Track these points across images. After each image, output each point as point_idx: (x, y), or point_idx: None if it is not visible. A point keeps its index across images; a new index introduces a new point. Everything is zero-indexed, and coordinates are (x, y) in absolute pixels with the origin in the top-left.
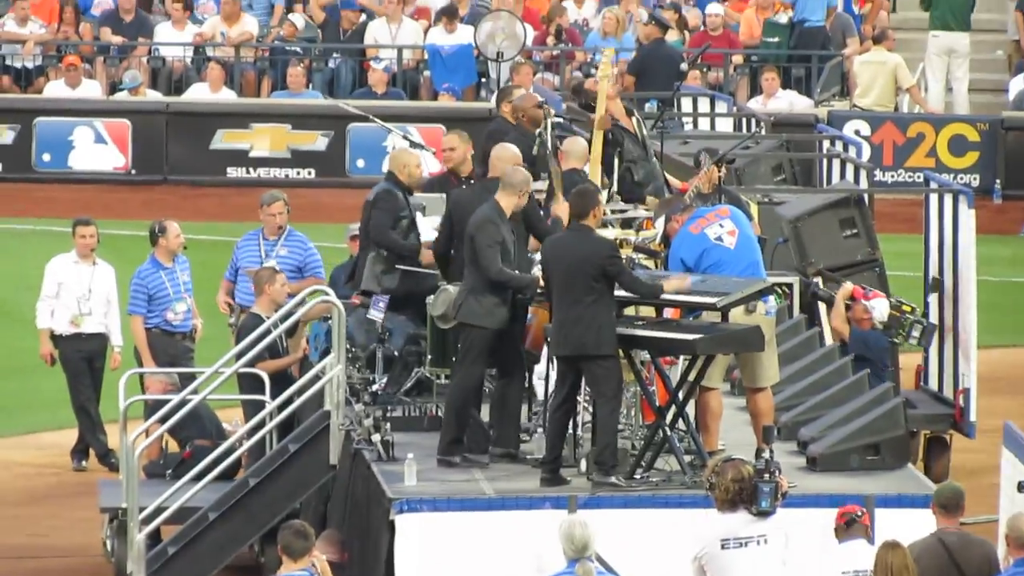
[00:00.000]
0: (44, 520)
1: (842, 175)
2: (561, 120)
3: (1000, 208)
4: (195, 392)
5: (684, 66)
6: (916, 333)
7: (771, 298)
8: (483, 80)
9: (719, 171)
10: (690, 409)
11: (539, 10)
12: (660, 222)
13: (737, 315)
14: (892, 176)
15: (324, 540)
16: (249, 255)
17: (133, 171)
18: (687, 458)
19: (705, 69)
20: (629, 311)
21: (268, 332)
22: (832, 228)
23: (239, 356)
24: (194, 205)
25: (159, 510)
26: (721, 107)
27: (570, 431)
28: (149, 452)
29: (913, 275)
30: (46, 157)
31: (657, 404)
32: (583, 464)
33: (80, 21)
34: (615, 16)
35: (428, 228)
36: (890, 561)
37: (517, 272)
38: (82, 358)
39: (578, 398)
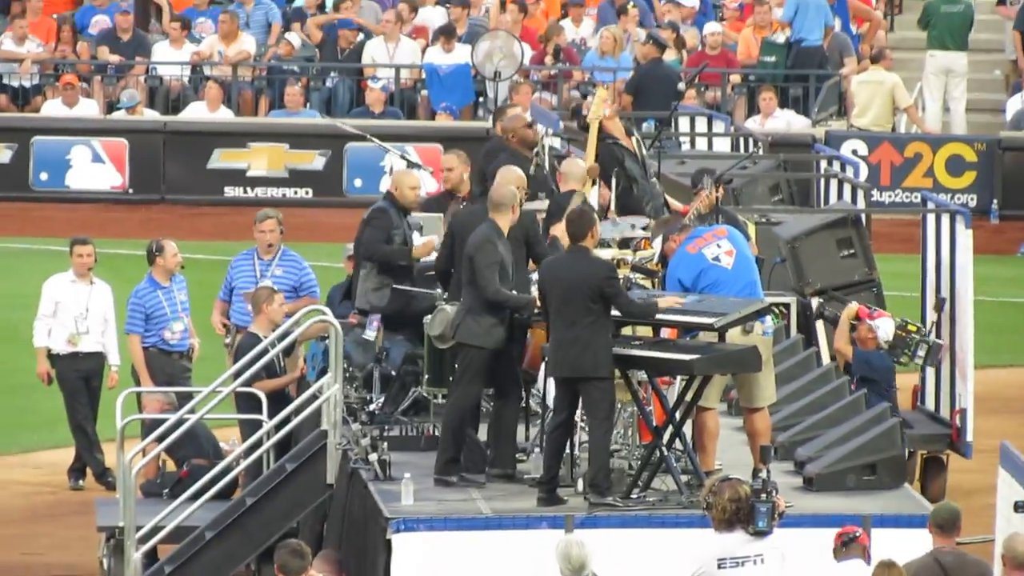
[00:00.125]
0: (41, 539)
1: (839, 195)
2: (559, 139)
3: (997, 228)
4: (192, 411)
5: (681, 86)
6: (922, 353)
7: (768, 318)
8: (481, 99)
9: (717, 191)
10: (687, 429)
11: (537, 29)
12: (658, 242)
13: (734, 335)
14: (889, 196)
15: (321, 559)
16: (244, 275)
17: (130, 190)
18: (684, 478)
19: (703, 88)
20: (626, 331)
21: (265, 351)
22: (829, 248)
23: (236, 375)
24: (191, 224)
25: (156, 529)
26: (719, 127)
27: (567, 451)
28: (146, 471)
29: (910, 295)
30: (43, 176)
31: (654, 424)
32: (580, 484)
33: (78, 40)
34: (613, 35)
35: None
36: None
37: (514, 292)
38: (79, 377)
39: (575, 418)
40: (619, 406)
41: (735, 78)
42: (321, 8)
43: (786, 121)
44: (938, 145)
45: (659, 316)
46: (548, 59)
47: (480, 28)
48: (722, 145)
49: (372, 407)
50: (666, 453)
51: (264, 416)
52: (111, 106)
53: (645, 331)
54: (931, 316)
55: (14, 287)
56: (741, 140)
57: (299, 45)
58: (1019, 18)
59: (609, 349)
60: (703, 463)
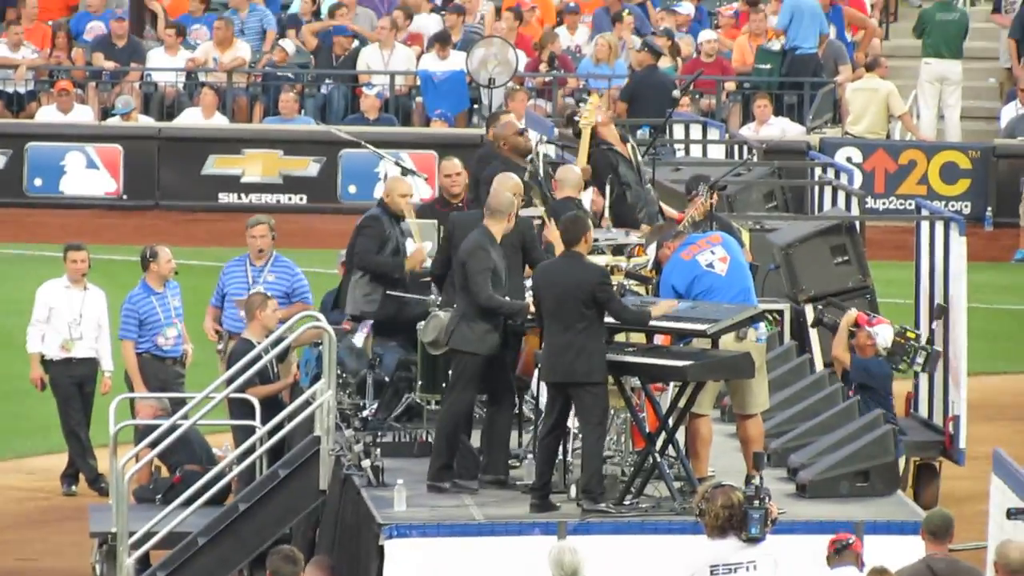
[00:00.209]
0: (34, 544)
1: (834, 202)
2: (554, 146)
3: (992, 235)
4: (185, 417)
5: (676, 93)
6: (920, 360)
7: (762, 325)
8: (475, 106)
9: (711, 198)
10: (680, 435)
11: (532, 36)
12: (652, 248)
13: (728, 342)
14: (884, 203)
15: (314, 565)
16: (236, 281)
17: (125, 196)
18: (677, 484)
19: (697, 96)
20: (619, 337)
21: (259, 357)
22: (823, 255)
23: (230, 381)
24: (185, 230)
25: (149, 535)
26: (713, 134)
27: (560, 457)
28: (139, 477)
29: (904, 302)
30: (38, 182)
31: (647, 430)
32: (573, 490)
33: (72, 46)
34: (607, 43)
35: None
36: None
37: (508, 298)
38: (72, 383)
39: (568, 424)
40: (612, 412)
41: (730, 85)
42: (316, 15)
43: (781, 128)
44: (932, 152)
45: (652, 322)
46: (543, 66)
47: (475, 35)
48: (717, 152)
49: (365, 413)
50: (659, 459)
51: (257, 422)
52: (106, 112)
53: (639, 337)
54: (927, 324)
55: (8, 293)
56: (736, 147)
57: (294, 52)
58: (1014, 26)
59: (603, 355)
60: (696, 469)
